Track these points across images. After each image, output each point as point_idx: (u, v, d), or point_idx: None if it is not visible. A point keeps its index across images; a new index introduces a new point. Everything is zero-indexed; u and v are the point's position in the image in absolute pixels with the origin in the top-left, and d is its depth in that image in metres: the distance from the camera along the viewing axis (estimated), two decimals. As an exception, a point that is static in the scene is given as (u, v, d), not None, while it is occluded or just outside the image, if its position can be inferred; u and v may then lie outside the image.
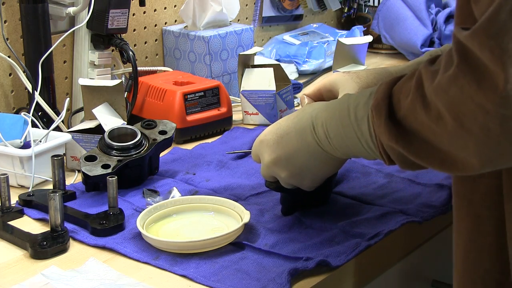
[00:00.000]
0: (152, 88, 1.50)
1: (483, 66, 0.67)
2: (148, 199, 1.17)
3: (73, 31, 1.50)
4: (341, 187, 1.21)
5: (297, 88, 1.78)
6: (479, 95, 0.68)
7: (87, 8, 1.47)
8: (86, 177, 1.18)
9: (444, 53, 0.74)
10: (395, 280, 1.18)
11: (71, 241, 1.05)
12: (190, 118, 1.46)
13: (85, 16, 1.48)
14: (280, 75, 1.57)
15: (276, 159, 1.01)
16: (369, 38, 1.62)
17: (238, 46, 1.72)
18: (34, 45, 1.42)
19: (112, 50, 1.55)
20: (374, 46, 2.17)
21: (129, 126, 1.27)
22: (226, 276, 0.95)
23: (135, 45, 1.72)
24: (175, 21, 1.81)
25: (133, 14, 1.70)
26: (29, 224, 1.12)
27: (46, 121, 1.40)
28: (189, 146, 1.43)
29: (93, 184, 1.20)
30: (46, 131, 1.30)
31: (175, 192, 1.18)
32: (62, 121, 1.38)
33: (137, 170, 1.23)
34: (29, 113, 1.33)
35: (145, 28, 1.74)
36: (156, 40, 1.77)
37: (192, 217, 1.11)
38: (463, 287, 0.87)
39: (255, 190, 1.20)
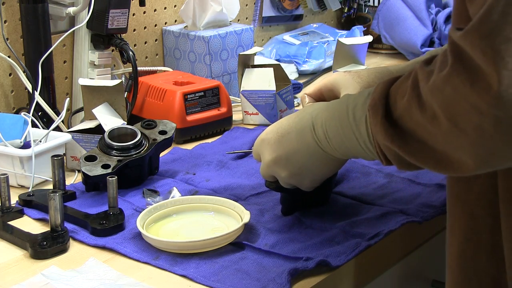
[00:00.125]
0: (152, 88, 1.50)
1: (477, 67, 0.67)
2: (148, 199, 1.17)
3: (73, 31, 1.50)
4: (341, 187, 1.21)
5: (297, 88, 1.78)
6: (473, 96, 0.68)
7: (87, 8, 1.47)
8: (86, 177, 1.18)
9: (440, 53, 0.75)
10: (395, 280, 1.18)
11: (71, 241, 1.05)
12: (190, 118, 1.46)
13: (85, 16, 1.48)
14: (280, 75, 1.57)
15: (276, 158, 1.01)
16: (369, 38, 1.62)
17: (238, 46, 1.72)
18: (34, 45, 1.42)
19: (112, 50, 1.55)
20: (374, 46, 2.17)
21: (129, 126, 1.27)
22: (226, 276, 0.95)
23: (135, 45, 1.72)
24: (175, 21, 1.81)
25: (133, 14, 1.70)
26: (29, 224, 1.12)
27: (46, 121, 1.40)
28: (189, 146, 1.43)
29: (93, 184, 1.20)
30: (46, 131, 1.30)
31: (175, 192, 1.18)
32: (62, 121, 1.38)
33: (137, 170, 1.23)
34: (29, 113, 1.33)
35: (145, 28, 1.74)
36: (156, 40, 1.77)
37: (192, 217, 1.11)
38: (458, 285, 0.87)
39: (255, 190, 1.20)
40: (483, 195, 0.82)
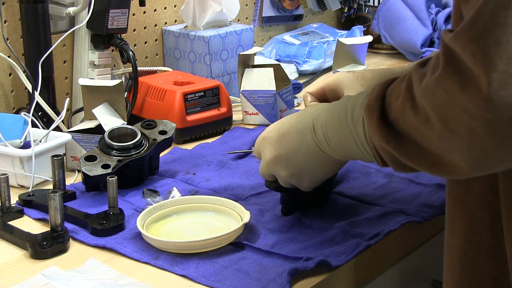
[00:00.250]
0: (152, 88, 1.50)
1: (467, 69, 0.67)
2: (148, 199, 1.17)
3: (73, 31, 1.50)
4: (341, 187, 1.21)
5: (297, 88, 1.78)
6: (464, 98, 0.67)
7: (87, 8, 1.47)
8: (86, 177, 1.18)
9: (434, 55, 0.74)
10: (395, 280, 1.18)
11: (71, 241, 1.05)
12: (190, 118, 1.46)
13: (85, 16, 1.48)
14: (280, 75, 1.57)
15: (276, 157, 1.01)
16: (369, 38, 1.62)
17: (238, 46, 1.72)
18: (34, 45, 1.42)
19: (112, 50, 1.55)
20: (374, 46, 2.17)
21: (129, 126, 1.27)
22: (226, 276, 0.95)
23: (135, 45, 1.72)
24: (175, 21, 1.81)
25: (133, 14, 1.70)
26: (29, 224, 1.12)
27: (46, 121, 1.40)
28: (189, 146, 1.43)
29: (93, 184, 1.20)
30: (46, 131, 1.30)
31: (175, 192, 1.18)
32: (62, 121, 1.38)
33: (137, 170, 1.23)
34: (29, 113, 1.33)
35: (145, 28, 1.74)
36: (156, 40, 1.77)
37: (192, 217, 1.11)
38: (459, 286, 0.87)
39: (255, 190, 1.20)
40: (484, 196, 0.82)
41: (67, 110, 1.40)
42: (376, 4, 2.20)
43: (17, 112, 1.45)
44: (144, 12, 1.73)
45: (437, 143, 0.74)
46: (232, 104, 1.56)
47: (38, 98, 1.40)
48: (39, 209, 1.15)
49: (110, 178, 1.09)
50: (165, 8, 1.78)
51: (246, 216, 1.05)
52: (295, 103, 1.64)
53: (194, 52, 1.70)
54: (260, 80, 1.54)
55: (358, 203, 1.15)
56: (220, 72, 1.70)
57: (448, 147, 0.73)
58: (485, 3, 0.66)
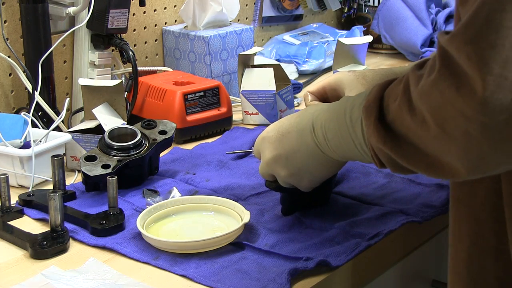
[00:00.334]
0: (152, 88, 1.50)
1: (462, 72, 0.67)
2: (148, 199, 1.17)
3: (73, 31, 1.50)
4: (341, 187, 1.21)
5: (297, 88, 1.78)
6: (459, 101, 0.67)
7: (87, 8, 1.47)
8: (86, 177, 1.18)
9: (431, 57, 0.74)
10: (395, 280, 1.18)
11: (71, 241, 1.05)
12: (190, 118, 1.46)
13: (85, 16, 1.48)
14: (280, 75, 1.57)
15: (276, 157, 1.01)
16: (369, 38, 1.62)
17: (238, 46, 1.72)
18: (34, 45, 1.42)
19: (112, 50, 1.55)
20: (374, 46, 2.17)
21: (129, 126, 1.27)
22: (226, 276, 0.95)
23: (135, 45, 1.72)
24: (175, 21, 1.81)
25: (133, 14, 1.70)
26: (29, 224, 1.12)
27: (46, 121, 1.40)
28: (189, 146, 1.43)
29: (93, 184, 1.20)
30: (46, 131, 1.30)
31: (175, 192, 1.18)
32: (62, 121, 1.38)
33: (137, 170, 1.23)
34: (29, 113, 1.33)
35: (145, 28, 1.74)
36: (156, 40, 1.77)
37: (192, 217, 1.11)
38: None
39: (255, 190, 1.20)
40: (488, 199, 0.82)
41: (67, 110, 1.40)
42: (376, 4, 2.20)
43: (17, 112, 1.45)
44: (144, 12, 1.73)
45: (433, 145, 0.74)
46: (232, 104, 1.56)
47: (38, 98, 1.40)
48: (39, 209, 1.15)
49: (110, 178, 1.09)
50: (165, 8, 1.78)
51: (246, 216, 1.05)
52: (295, 103, 1.64)
53: (194, 52, 1.70)
54: (260, 80, 1.54)
55: (358, 203, 1.15)
56: (220, 72, 1.70)
57: (444, 149, 0.73)
58: (481, 6, 0.66)
